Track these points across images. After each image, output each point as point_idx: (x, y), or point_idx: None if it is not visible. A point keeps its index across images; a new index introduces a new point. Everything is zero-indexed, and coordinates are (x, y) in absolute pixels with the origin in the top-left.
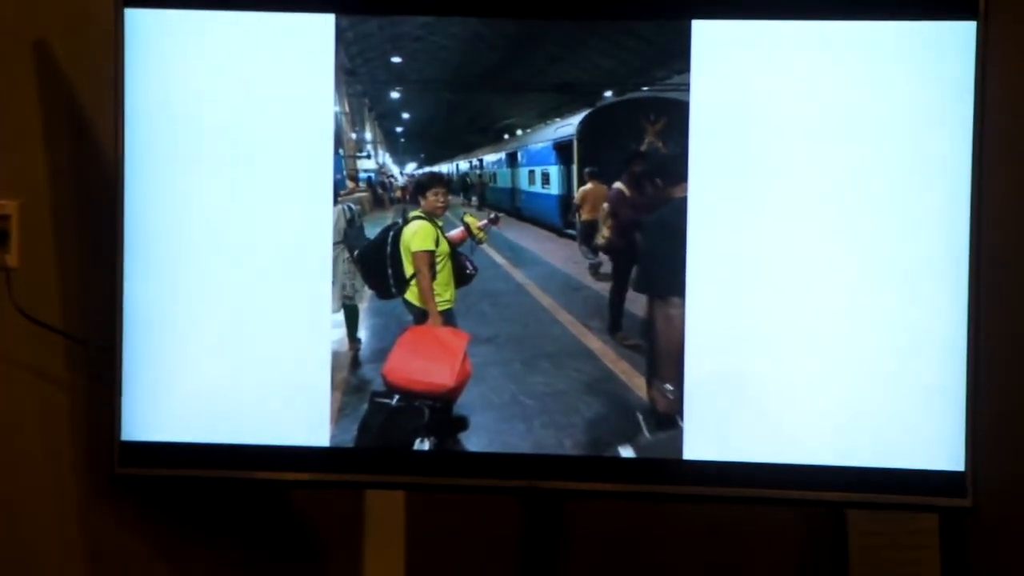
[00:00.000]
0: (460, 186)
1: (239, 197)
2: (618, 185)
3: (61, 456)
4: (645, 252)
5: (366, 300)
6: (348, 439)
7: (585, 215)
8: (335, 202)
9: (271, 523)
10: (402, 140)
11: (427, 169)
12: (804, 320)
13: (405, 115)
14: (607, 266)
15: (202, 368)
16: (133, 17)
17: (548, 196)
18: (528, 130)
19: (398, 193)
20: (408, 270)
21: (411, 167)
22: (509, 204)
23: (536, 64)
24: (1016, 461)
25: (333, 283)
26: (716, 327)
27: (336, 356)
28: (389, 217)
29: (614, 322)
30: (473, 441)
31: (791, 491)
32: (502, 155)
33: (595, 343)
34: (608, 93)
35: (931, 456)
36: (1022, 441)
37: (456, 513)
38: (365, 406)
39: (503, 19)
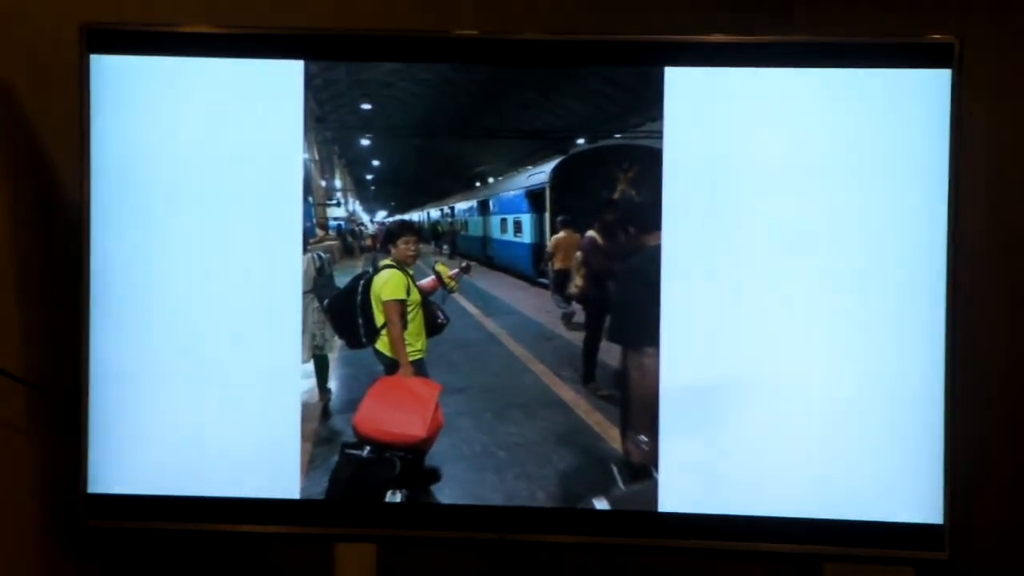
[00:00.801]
0: (431, 234)
1: (207, 245)
2: (591, 233)
3: (23, 508)
4: (618, 301)
5: (336, 350)
6: (319, 491)
7: (558, 264)
8: (304, 250)
9: (243, 573)
10: (372, 187)
11: (397, 217)
12: (780, 371)
13: (375, 162)
14: (580, 315)
15: (169, 419)
16: (99, 63)
17: (520, 244)
18: (500, 177)
19: (368, 241)
20: (379, 319)
21: (381, 215)
22: (481, 252)
23: (508, 110)
24: (993, 513)
25: (303, 333)
26: (691, 378)
27: (306, 407)
28: (359, 266)
29: (587, 372)
30: (445, 493)
31: (767, 544)
32: (473, 203)
33: (568, 393)
34: (580, 140)
35: (909, 509)
36: (999, 493)
37: (429, 564)
38: (335, 457)
39: (474, 65)
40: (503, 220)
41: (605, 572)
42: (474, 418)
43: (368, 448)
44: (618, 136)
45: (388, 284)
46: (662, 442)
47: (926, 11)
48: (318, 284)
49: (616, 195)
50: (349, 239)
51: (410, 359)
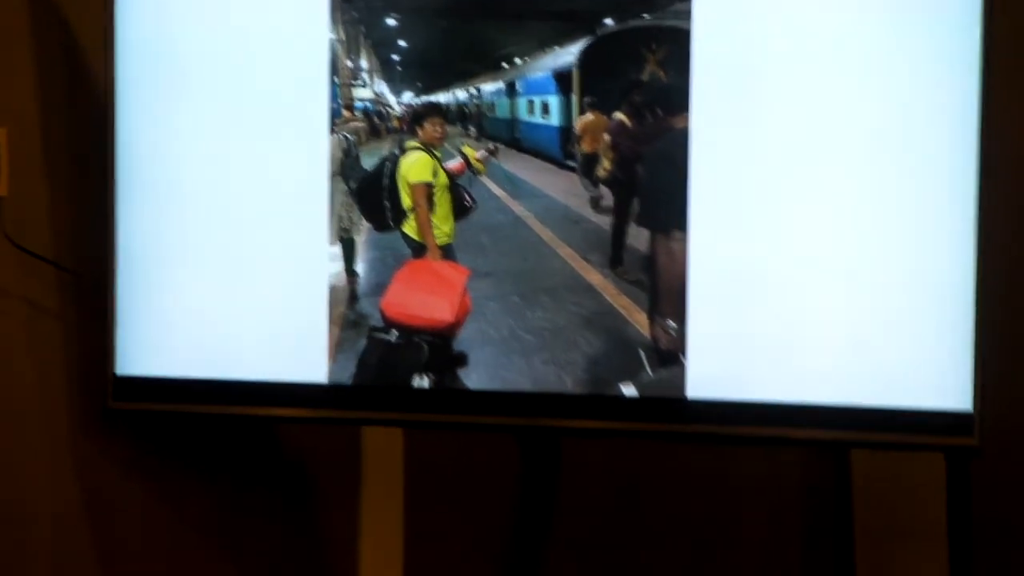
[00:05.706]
0: (458, 116)
1: (234, 127)
2: (619, 116)
3: (53, 389)
4: (647, 184)
5: (363, 233)
6: (346, 375)
7: (585, 146)
8: (331, 132)
9: (267, 460)
10: (399, 68)
11: (424, 99)
12: (808, 256)
13: (402, 43)
14: (608, 199)
15: (197, 302)
16: None
17: (548, 127)
18: (527, 59)
19: (395, 123)
20: (406, 202)
21: (408, 96)
22: (508, 135)
23: None
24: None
25: (330, 215)
26: (719, 262)
27: (333, 290)
28: (386, 148)
29: (615, 256)
30: (472, 378)
31: (795, 430)
32: (501, 84)
33: (595, 277)
34: (609, 21)
35: (938, 396)
36: None
37: (455, 450)
38: (363, 341)
39: None
40: (530, 102)
41: (631, 461)
42: (501, 302)
43: (395, 332)
44: (646, 17)
45: (415, 166)
46: (690, 327)
47: None
48: (345, 166)
49: (644, 77)
50: (376, 121)
51: (438, 243)
